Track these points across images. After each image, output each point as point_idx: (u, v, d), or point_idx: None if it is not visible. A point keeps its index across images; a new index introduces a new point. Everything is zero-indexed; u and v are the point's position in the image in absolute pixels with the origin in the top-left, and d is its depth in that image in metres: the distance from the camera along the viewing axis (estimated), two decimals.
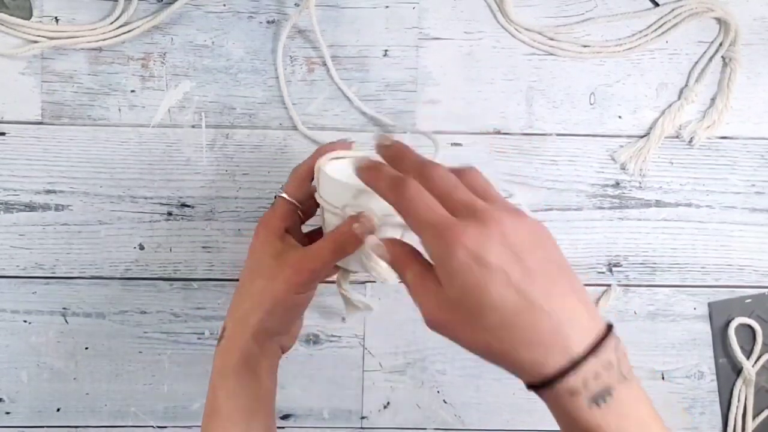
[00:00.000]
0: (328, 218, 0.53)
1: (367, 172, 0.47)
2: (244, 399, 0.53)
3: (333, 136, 0.66)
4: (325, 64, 0.66)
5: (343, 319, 0.68)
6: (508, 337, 0.41)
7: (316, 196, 0.53)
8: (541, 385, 0.41)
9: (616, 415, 0.41)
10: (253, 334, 0.53)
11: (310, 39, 0.66)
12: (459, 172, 0.46)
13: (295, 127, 0.66)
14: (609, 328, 0.42)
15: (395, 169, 0.46)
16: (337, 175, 0.51)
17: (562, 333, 0.40)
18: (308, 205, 0.56)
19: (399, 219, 0.45)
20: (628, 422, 0.41)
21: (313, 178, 0.54)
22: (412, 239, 0.45)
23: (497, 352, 0.42)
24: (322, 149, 0.55)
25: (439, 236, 0.42)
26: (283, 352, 0.58)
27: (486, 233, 0.41)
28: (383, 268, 0.50)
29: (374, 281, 0.67)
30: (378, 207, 0.49)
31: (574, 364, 0.40)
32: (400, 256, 0.46)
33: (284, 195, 0.55)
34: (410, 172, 0.45)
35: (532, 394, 0.42)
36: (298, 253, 0.53)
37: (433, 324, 0.45)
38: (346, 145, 0.56)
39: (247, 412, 0.53)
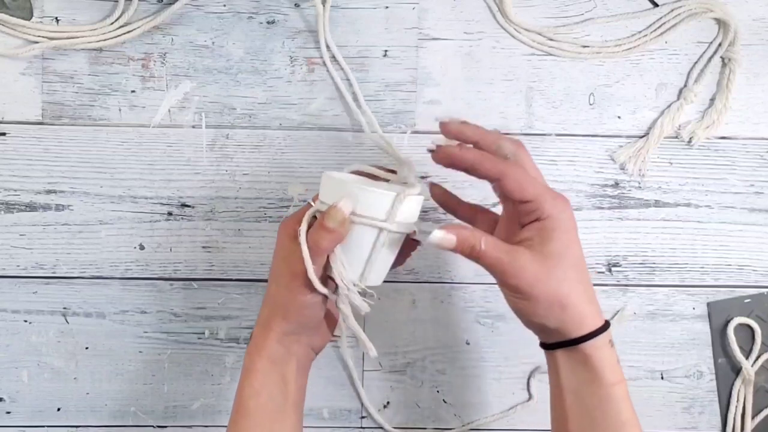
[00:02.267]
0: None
1: (472, 154, 0.54)
2: (268, 399, 0.55)
3: (333, 136, 0.66)
4: (325, 64, 0.67)
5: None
6: (581, 290, 0.52)
7: (318, 203, 0.54)
8: (592, 334, 0.51)
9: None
10: (277, 338, 0.55)
11: (311, 39, 0.67)
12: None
13: (296, 128, 0.67)
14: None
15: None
16: (336, 176, 0.53)
17: (594, 299, 0.53)
18: None
19: (378, 222, 0.51)
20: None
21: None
22: (390, 242, 0.53)
23: (570, 302, 0.51)
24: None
25: (557, 197, 0.53)
26: (315, 352, 0.59)
27: (570, 208, 0.54)
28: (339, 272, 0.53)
29: None
30: (363, 206, 0.51)
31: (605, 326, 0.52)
32: (467, 233, 0.52)
33: (311, 201, 0.55)
34: (506, 151, 0.54)
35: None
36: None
37: (520, 278, 0.51)
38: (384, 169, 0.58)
39: (272, 412, 0.55)
